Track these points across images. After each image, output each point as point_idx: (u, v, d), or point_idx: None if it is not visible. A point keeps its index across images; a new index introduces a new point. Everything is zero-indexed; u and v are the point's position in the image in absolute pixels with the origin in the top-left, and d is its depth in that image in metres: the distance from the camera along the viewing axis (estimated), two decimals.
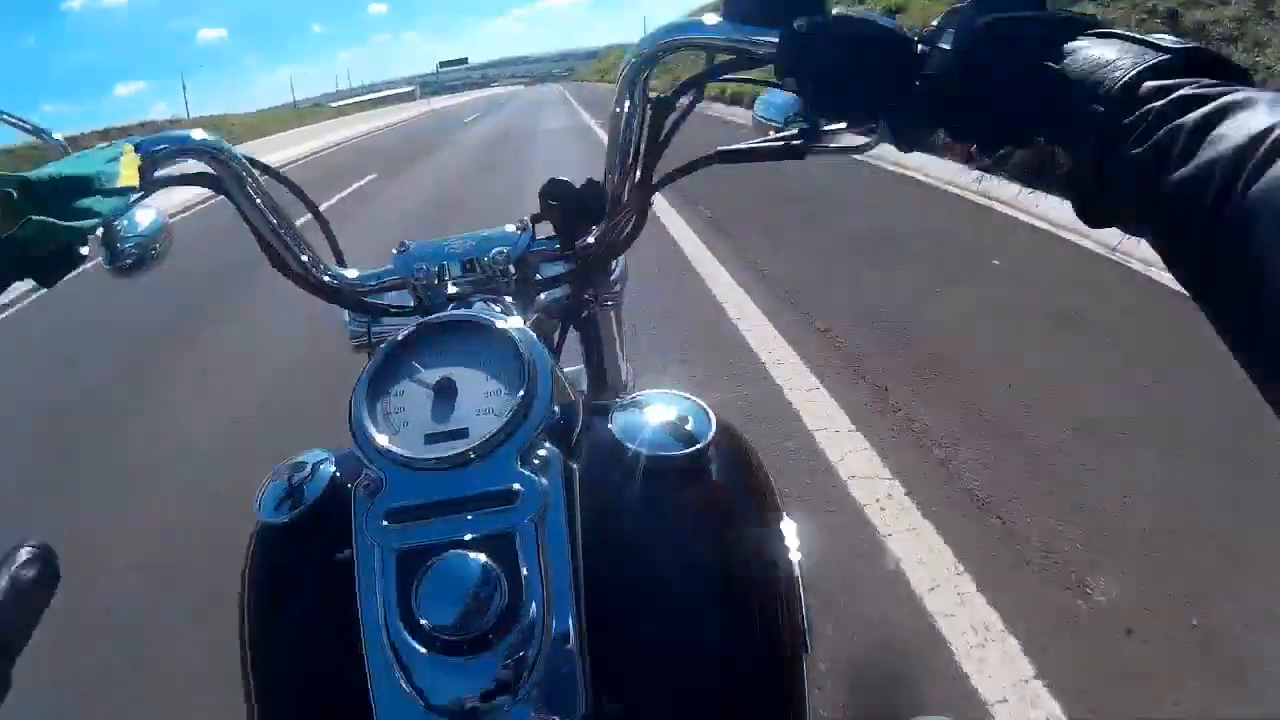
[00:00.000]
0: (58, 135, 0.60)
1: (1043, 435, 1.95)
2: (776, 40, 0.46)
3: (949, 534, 1.62)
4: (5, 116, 0.59)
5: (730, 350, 2.66)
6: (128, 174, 0.48)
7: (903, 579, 1.52)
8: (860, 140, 0.50)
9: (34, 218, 0.41)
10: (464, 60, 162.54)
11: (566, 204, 0.58)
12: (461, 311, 0.49)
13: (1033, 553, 1.56)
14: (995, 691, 1.26)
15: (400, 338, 0.47)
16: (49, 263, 0.45)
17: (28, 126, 0.60)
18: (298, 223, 0.62)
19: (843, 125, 0.49)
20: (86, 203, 0.44)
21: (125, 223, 0.61)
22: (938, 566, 1.54)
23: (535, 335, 0.46)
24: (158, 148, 0.53)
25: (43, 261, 0.44)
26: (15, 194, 0.42)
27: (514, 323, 0.47)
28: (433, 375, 0.45)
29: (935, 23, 0.43)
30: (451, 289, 0.57)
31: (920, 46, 0.43)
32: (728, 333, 2.83)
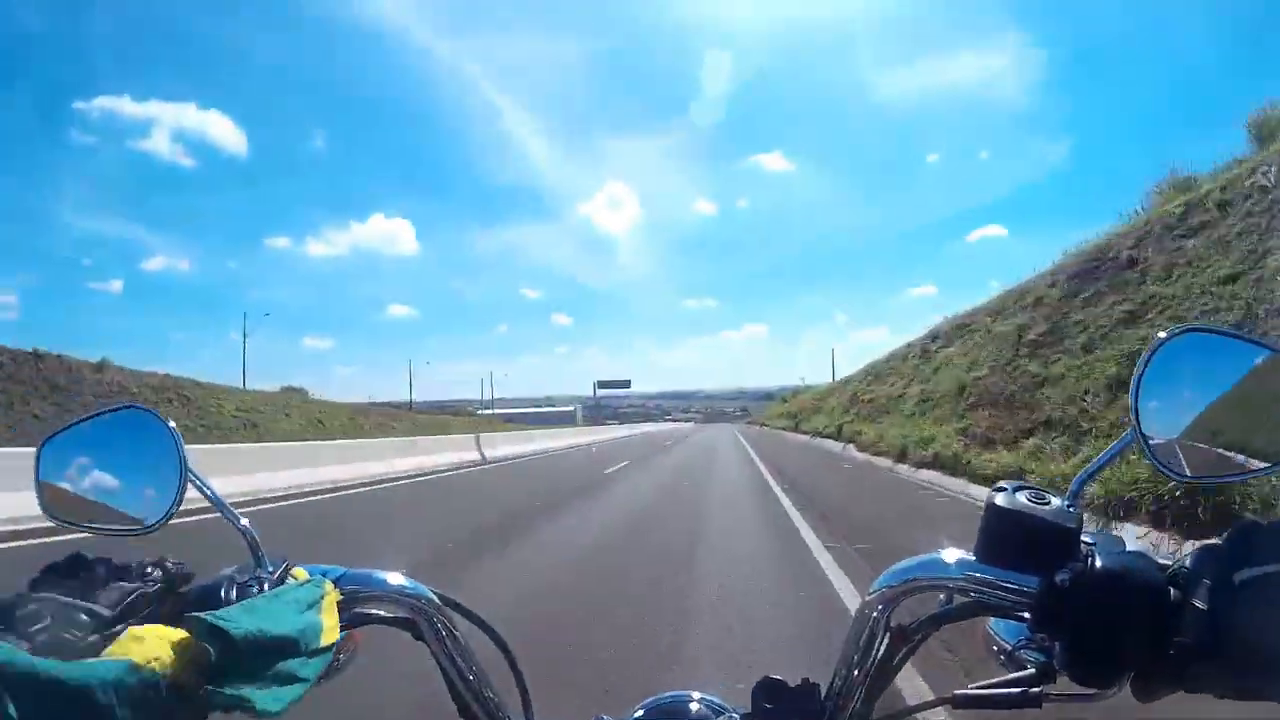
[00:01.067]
0: (244, 521, 0.55)
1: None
2: (1033, 590, 0.46)
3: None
4: (197, 482, 0.55)
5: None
6: (331, 626, 0.46)
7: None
8: (1096, 690, 0.47)
9: (226, 691, 0.36)
10: (626, 383, 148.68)
11: (779, 707, 0.57)
12: None
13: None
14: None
15: None
16: None
17: (219, 503, 0.55)
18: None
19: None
20: (289, 666, 0.40)
21: None
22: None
23: None
24: (358, 589, 0.54)
25: None
26: (213, 652, 0.37)
27: None
28: None
29: (1187, 561, 0.43)
30: None
31: (1173, 592, 0.43)
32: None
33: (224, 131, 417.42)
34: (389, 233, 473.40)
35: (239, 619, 0.39)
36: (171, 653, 0.36)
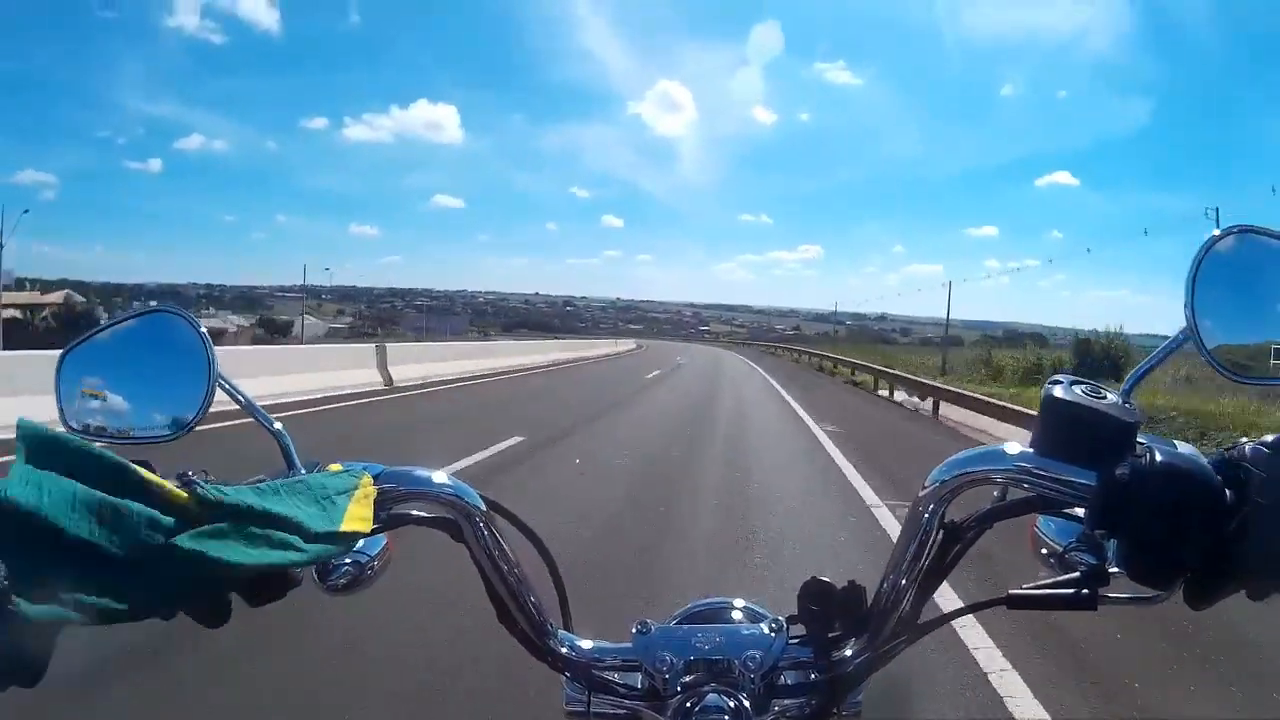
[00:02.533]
0: (278, 425, 0.57)
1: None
2: (1090, 484, 0.46)
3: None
4: (228, 388, 0.56)
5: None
6: (362, 515, 0.48)
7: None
8: (1153, 591, 0.47)
9: (230, 556, 0.38)
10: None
11: (826, 610, 0.57)
12: None
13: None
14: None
15: None
16: (246, 586, 0.43)
17: (251, 406, 0.56)
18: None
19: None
20: (293, 539, 0.42)
21: None
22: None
23: None
24: (397, 487, 0.54)
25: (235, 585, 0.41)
26: (212, 500, 0.40)
27: None
28: None
29: (1246, 453, 0.44)
30: (688, 677, 0.57)
31: (1229, 492, 0.43)
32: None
33: (254, 6, 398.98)
34: (433, 119, 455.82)
35: (236, 495, 0.42)
36: (185, 501, 0.40)
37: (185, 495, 0.40)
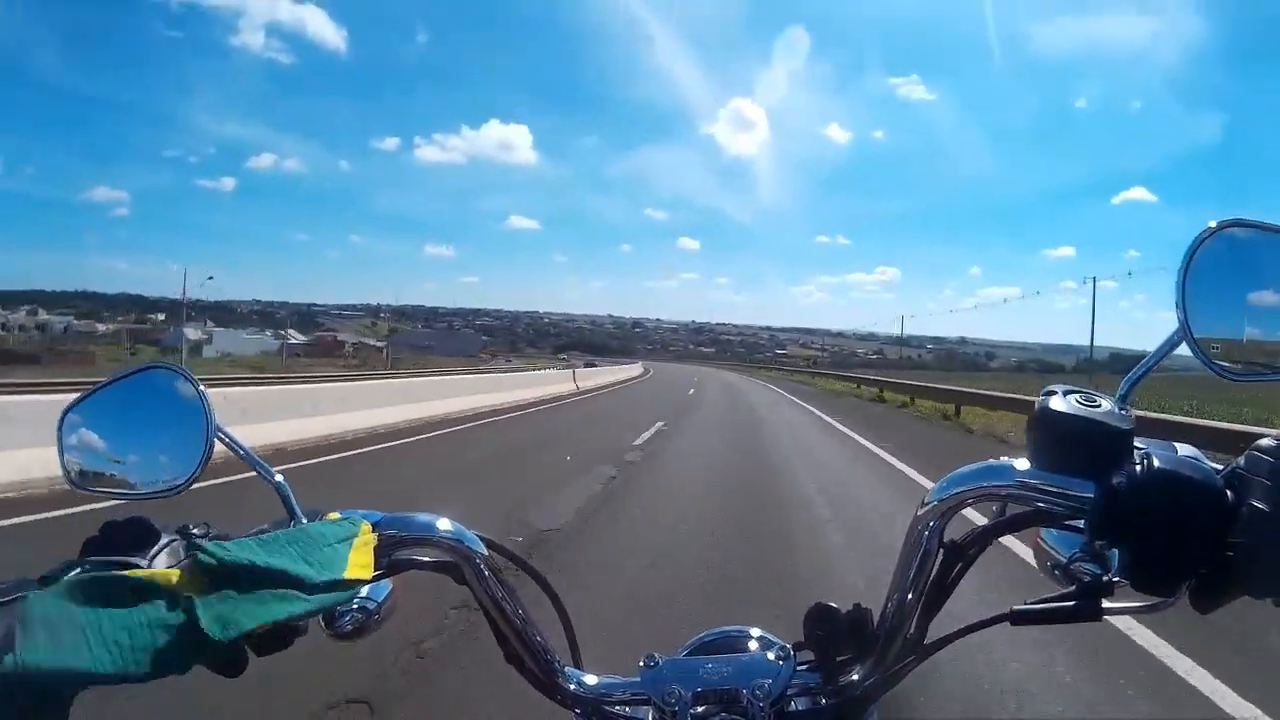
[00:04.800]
0: (279, 476, 0.59)
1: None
2: (1090, 495, 0.47)
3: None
4: (226, 439, 0.58)
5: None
6: (363, 562, 0.49)
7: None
8: (1157, 599, 0.48)
9: (238, 616, 0.41)
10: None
11: (832, 634, 0.58)
12: None
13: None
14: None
15: None
16: (238, 647, 0.43)
17: (250, 459, 0.59)
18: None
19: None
20: (296, 594, 0.44)
21: None
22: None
23: None
24: (398, 534, 0.57)
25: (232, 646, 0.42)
26: (215, 564, 0.43)
27: None
28: None
29: (1241, 462, 0.45)
30: (697, 709, 0.58)
31: (1229, 494, 0.44)
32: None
33: (321, 27, 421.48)
34: (505, 139, 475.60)
35: (237, 550, 0.44)
36: (178, 575, 0.42)
37: (177, 576, 0.43)
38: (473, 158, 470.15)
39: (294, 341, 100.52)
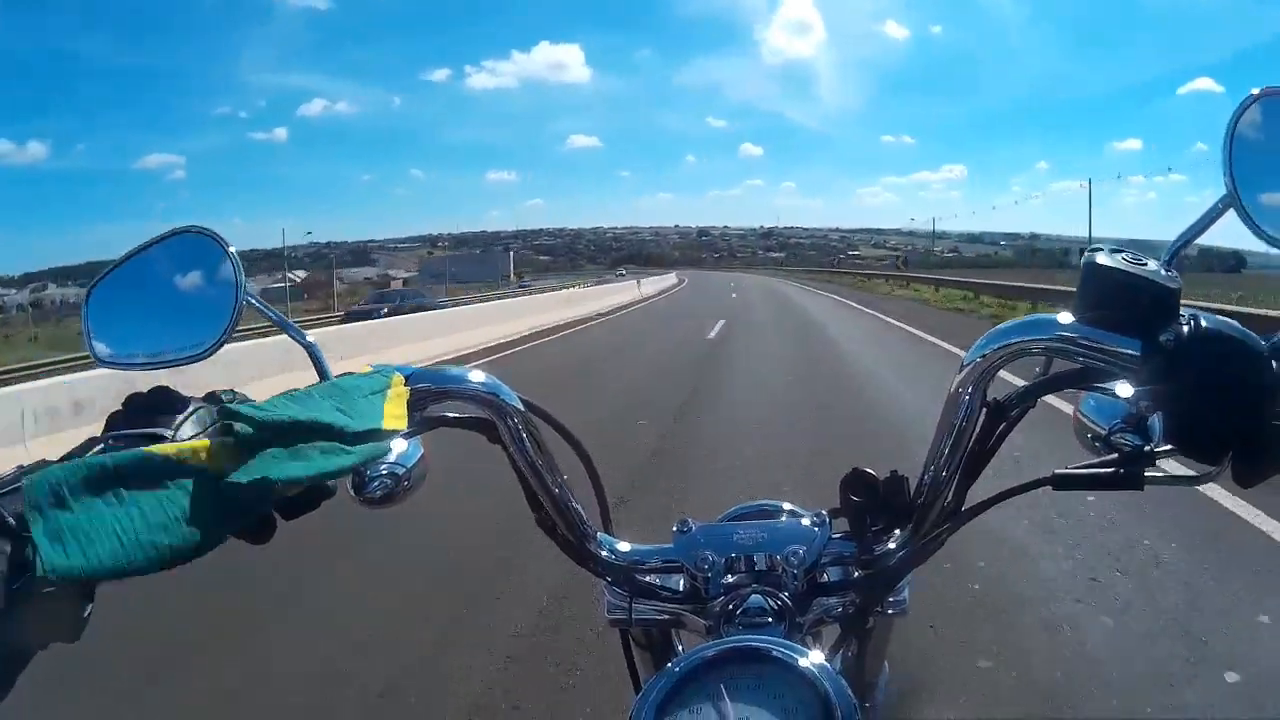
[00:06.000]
0: (310, 337, 0.59)
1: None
2: (1134, 353, 0.46)
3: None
4: (256, 304, 0.58)
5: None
6: (397, 413, 0.49)
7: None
8: (1199, 469, 0.48)
9: (239, 477, 0.40)
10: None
11: (868, 501, 0.58)
12: (765, 642, 0.49)
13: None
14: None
15: (695, 661, 0.48)
16: (284, 506, 0.44)
17: (281, 321, 0.59)
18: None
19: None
20: (325, 448, 0.44)
21: None
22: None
23: (845, 685, 0.46)
24: (431, 386, 0.56)
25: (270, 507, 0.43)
26: (251, 430, 0.42)
27: (825, 671, 0.46)
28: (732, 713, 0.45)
29: None
30: (730, 578, 0.58)
31: (1274, 363, 0.44)
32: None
33: None
34: (557, 60, 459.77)
35: (271, 408, 0.44)
36: (206, 447, 0.41)
37: (205, 446, 0.41)
38: (525, 81, 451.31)
39: (287, 286, 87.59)
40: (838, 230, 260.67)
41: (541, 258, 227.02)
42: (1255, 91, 0.51)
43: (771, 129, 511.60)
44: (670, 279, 50.81)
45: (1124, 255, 0.49)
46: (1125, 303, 0.47)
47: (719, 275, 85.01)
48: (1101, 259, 0.48)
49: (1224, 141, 0.50)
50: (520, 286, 63.70)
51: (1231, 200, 0.50)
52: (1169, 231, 0.53)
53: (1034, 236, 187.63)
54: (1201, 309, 0.48)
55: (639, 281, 34.42)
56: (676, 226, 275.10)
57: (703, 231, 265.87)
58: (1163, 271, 0.48)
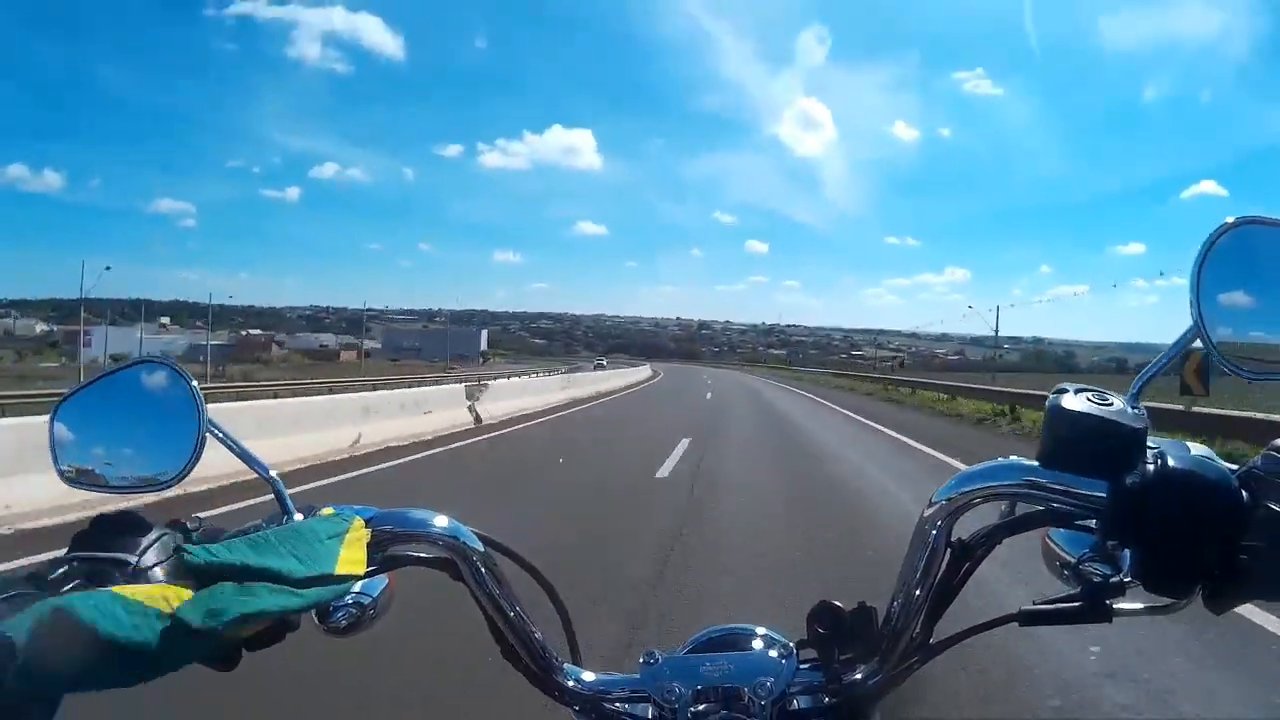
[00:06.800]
0: (272, 472, 0.59)
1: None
2: (1102, 495, 0.47)
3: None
4: (219, 434, 0.59)
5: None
6: (354, 558, 0.50)
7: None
8: (1169, 600, 0.48)
9: (189, 617, 0.41)
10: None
11: (836, 632, 0.58)
12: None
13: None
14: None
15: None
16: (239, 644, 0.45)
17: (244, 454, 0.59)
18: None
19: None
20: (286, 589, 0.45)
21: None
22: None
23: None
24: (392, 529, 0.57)
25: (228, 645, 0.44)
26: (208, 572, 0.44)
27: None
28: None
29: (1257, 462, 0.45)
30: (698, 706, 0.58)
31: (1244, 494, 0.45)
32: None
33: (377, 35, 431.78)
34: (569, 145, 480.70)
35: (225, 552, 0.46)
36: (164, 592, 0.42)
37: (162, 589, 0.43)
38: (536, 163, 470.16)
39: (217, 343, 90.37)
40: (840, 329, 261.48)
41: (537, 341, 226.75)
42: (1228, 220, 0.51)
43: (777, 226, 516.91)
44: (644, 371, 48.09)
45: (1088, 395, 0.50)
46: (1091, 445, 0.48)
47: (709, 371, 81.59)
48: (1067, 402, 0.50)
49: (1192, 272, 0.50)
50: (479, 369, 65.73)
51: (1198, 331, 0.50)
52: (1169, 335, 0.53)
53: (1037, 340, 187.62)
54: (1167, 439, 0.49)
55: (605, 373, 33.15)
56: (678, 319, 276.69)
57: (704, 325, 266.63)
58: (1129, 410, 0.49)
